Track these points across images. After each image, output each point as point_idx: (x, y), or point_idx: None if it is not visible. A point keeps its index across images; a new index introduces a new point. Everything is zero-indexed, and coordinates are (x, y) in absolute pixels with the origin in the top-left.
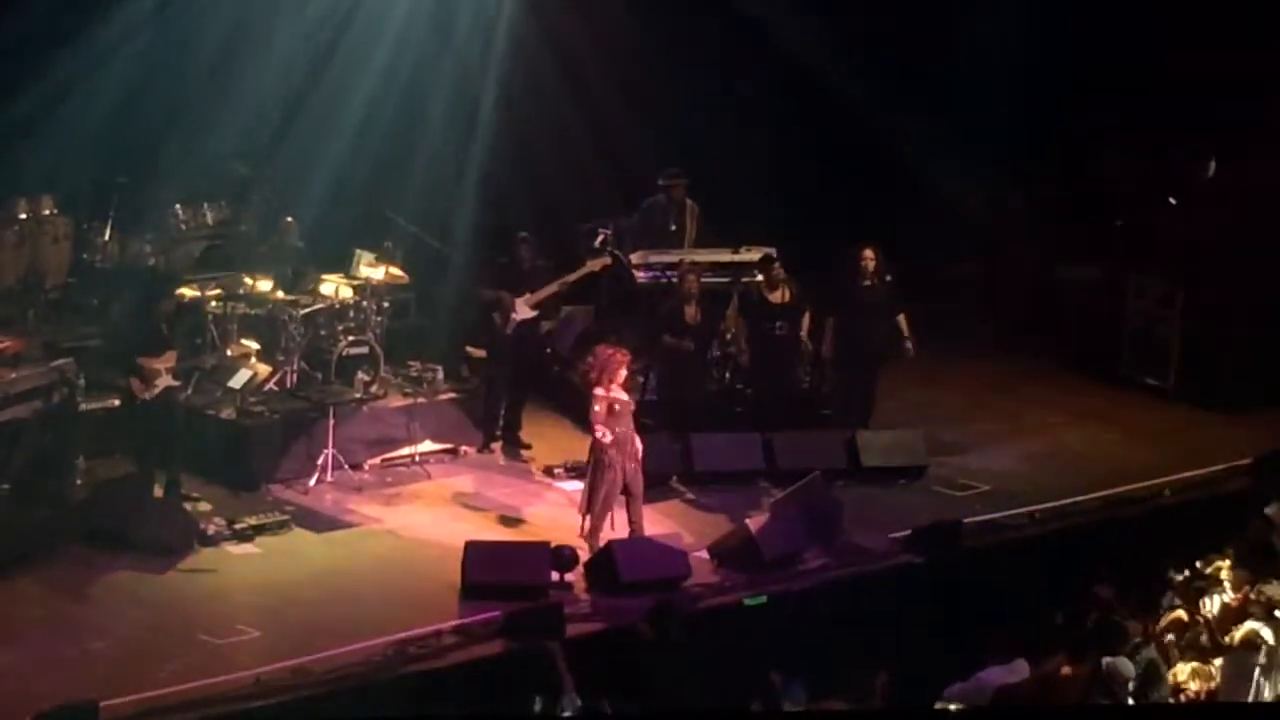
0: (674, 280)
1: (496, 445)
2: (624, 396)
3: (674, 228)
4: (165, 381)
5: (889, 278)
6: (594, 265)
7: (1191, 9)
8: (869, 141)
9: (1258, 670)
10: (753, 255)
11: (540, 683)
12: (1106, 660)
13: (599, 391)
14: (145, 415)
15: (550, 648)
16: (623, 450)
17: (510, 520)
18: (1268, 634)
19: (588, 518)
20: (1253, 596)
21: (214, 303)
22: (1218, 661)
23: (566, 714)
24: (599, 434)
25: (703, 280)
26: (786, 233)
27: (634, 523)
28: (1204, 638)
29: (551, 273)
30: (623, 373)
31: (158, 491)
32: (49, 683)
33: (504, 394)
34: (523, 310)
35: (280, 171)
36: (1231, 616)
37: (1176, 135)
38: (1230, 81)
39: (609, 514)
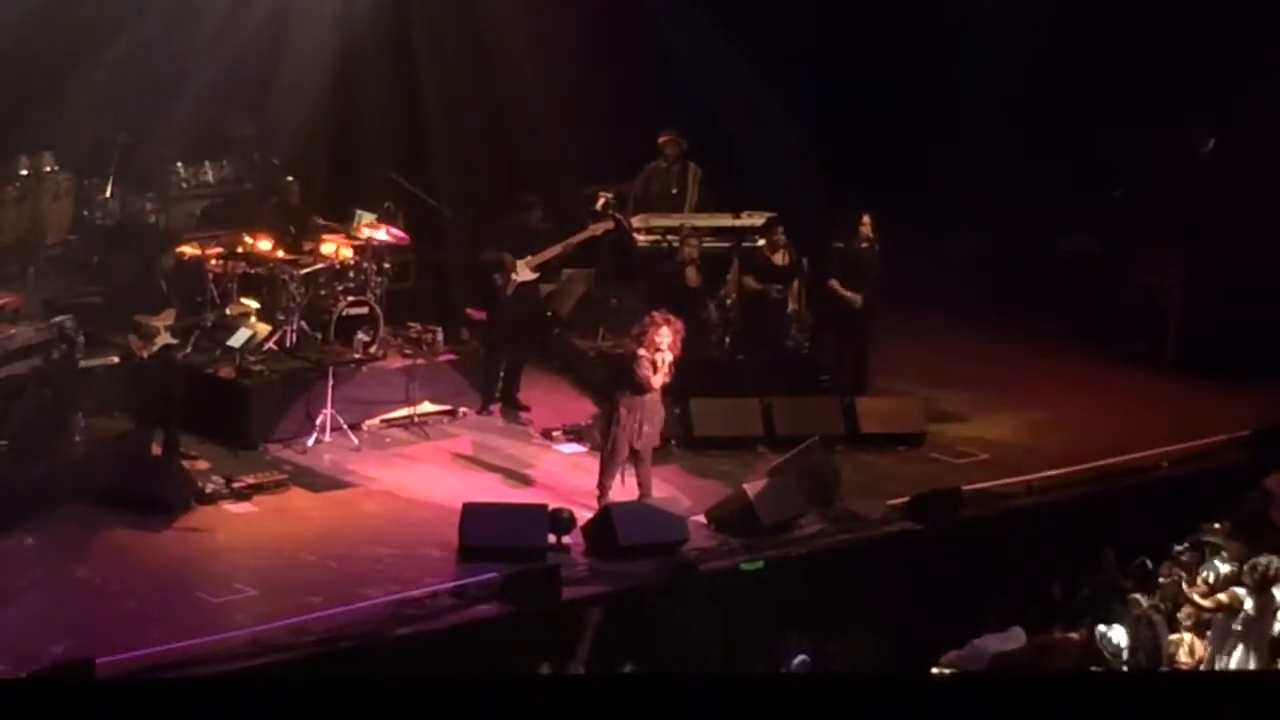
0: (675, 244)
1: (495, 407)
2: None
3: (675, 191)
4: (164, 339)
5: (877, 247)
6: (596, 229)
7: None
8: (870, 111)
9: (1233, 634)
10: (755, 220)
11: (552, 646)
12: (1099, 628)
13: (642, 353)
14: (144, 373)
15: (591, 613)
16: (642, 415)
17: (508, 482)
18: (1241, 595)
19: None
20: (1245, 569)
21: (214, 261)
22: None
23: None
24: (654, 385)
25: (704, 245)
26: (784, 199)
27: (641, 485)
28: (1199, 608)
29: (555, 236)
30: (660, 339)
31: (156, 449)
32: (46, 640)
33: (503, 356)
34: (524, 272)
35: (282, 129)
36: (1226, 587)
37: (1177, 105)
38: (1230, 52)
39: (617, 474)
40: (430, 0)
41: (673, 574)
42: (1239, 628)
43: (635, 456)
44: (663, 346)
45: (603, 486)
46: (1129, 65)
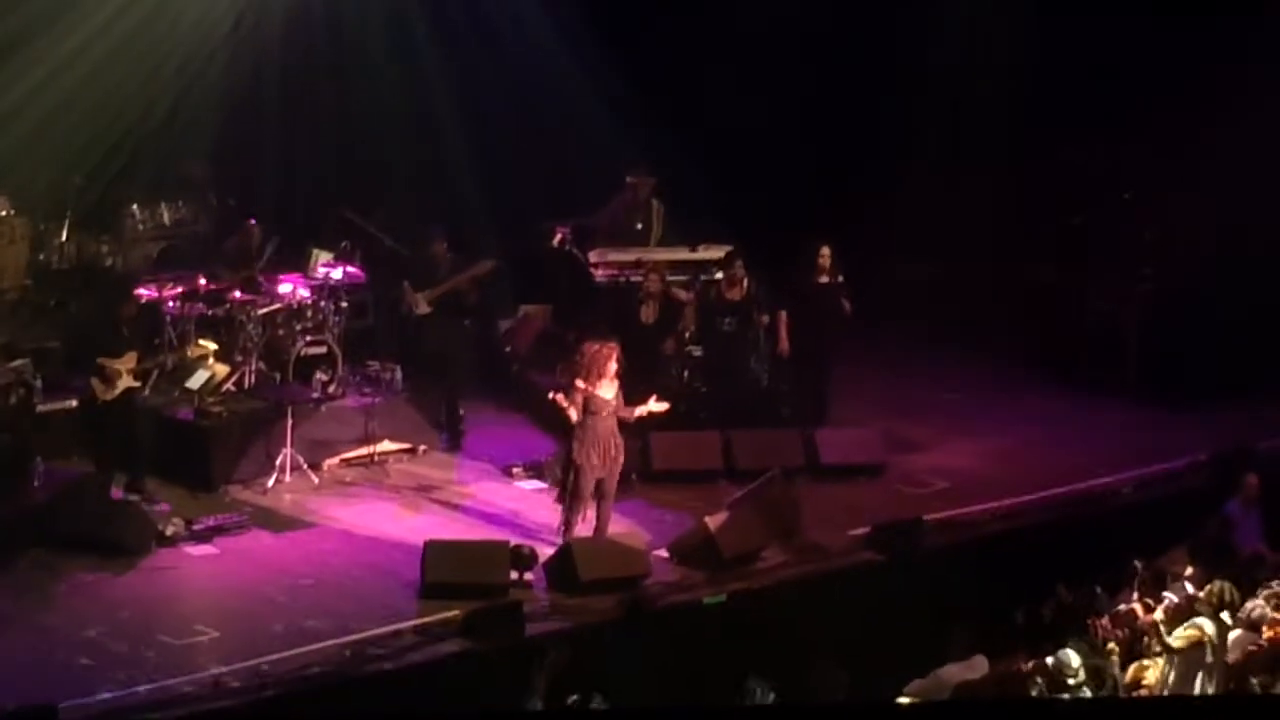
0: (632, 279)
1: (433, 440)
2: (606, 395)
3: (640, 226)
4: (127, 383)
5: (841, 278)
6: (483, 266)
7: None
8: (827, 139)
9: (1204, 668)
10: (712, 253)
11: (515, 683)
12: (1050, 659)
13: (579, 384)
14: (106, 416)
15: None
16: (595, 448)
17: (469, 519)
18: (1211, 630)
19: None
20: (1201, 594)
21: (171, 303)
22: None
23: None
24: (572, 419)
25: (666, 279)
26: (743, 230)
27: (599, 520)
28: (1159, 634)
29: (456, 268)
30: (611, 367)
31: (116, 493)
32: (7, 684)
33: (429, 389)
34: (422, 305)
35: (238, 171)
36: (1186, 612)
37: (1133, 132)
38: (1187, 79)
39: (582, 511)
40: (381, 37)
41: (625, 608)
42: (1210, 659)
43: (599, 492)
44: (597, 373)
45: (567, 523)
46: (1089, 91)
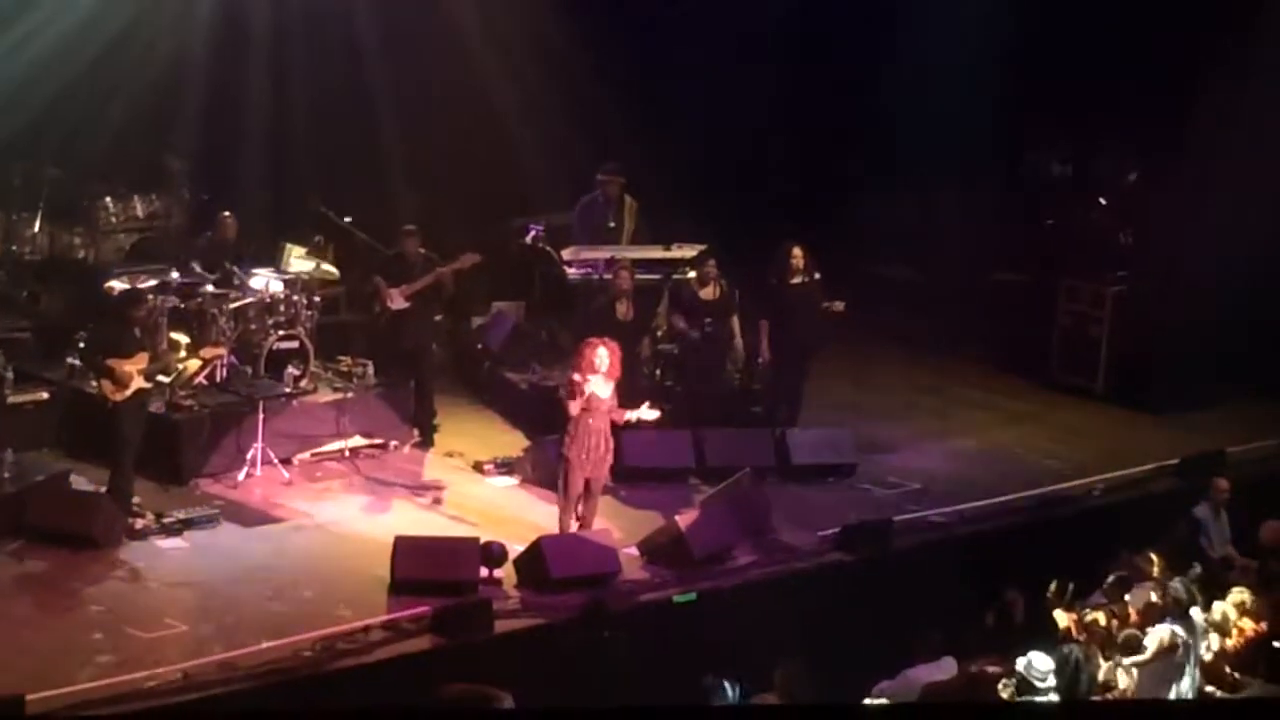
0: (605, 277)
1: (404, 436)
2: (603, 393)
3: (612, 224)
4: (138, 384)
5: (817, 275)
6: (465, 261)
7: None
8: (803, 143)
9: (1177, 669)
10: (685, 252)
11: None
12: (1022, 659)
13: (576, 377)
14: (116, 417)
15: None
16: (586, 444)
17: (440, 516)
18: (1182, 633)
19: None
20: (1161, 598)
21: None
22: (1139, 658)
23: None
24: (570, 413)
25: (635, 277)
26: (718, 230)
27: (585, 517)
28: (1123, 635)
29: (431, 265)
30: (611, 366)
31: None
32: None
33: (401, 384)
34: (398, 301)
35: (212, 164)
36: (1155, 614)
37: (1105, 138)
38: (1158, 86)
39: (573, 508)
40: (357, 32)
41: (583, 610)
42: (1180, 659)
43: (585, 488)
44: (599, 369)
45: (562, 524)
46: (1063, 96)
